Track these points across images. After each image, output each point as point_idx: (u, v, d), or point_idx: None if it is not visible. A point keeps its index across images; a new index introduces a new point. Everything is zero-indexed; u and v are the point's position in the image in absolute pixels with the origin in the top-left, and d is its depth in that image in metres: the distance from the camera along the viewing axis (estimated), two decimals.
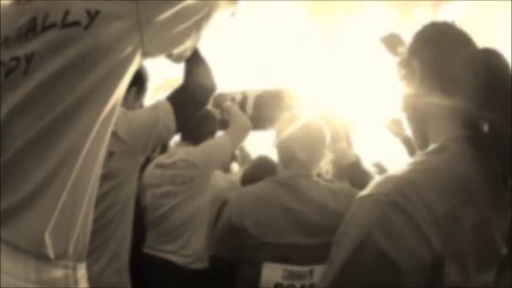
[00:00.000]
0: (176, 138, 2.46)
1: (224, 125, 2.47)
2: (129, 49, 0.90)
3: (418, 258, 0.69)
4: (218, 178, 2.56)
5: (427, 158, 0.83)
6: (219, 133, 2.49)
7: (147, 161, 2.32)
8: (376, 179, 0.81)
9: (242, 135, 2.36)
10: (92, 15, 0.86)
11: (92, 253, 1.48)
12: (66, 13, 0.87)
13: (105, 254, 1.54)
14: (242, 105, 2.99)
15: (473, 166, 0.79)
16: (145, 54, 0.96)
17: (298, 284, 1.43)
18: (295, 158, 1.61)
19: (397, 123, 2.36)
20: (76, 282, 0.89)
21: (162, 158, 2.35)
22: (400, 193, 0.73)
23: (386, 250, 0.69)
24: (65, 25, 0.86)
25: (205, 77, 1.66)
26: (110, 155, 1.52)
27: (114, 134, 1.51)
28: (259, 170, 2.46)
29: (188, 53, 1.11)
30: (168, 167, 2.26)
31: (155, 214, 2.25)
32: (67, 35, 0.86)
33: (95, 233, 1.45)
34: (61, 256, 0.86)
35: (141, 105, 1.85)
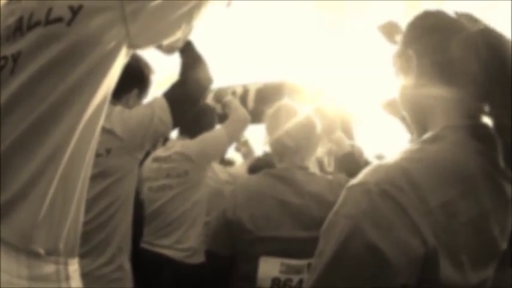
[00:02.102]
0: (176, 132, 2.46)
1: (225, 119, 2.47)
2: (114, 42, 0.90)
3: (408, 250, 0.66)
4: (217, 171, 2.55)
5: (422, 146, 0.79)
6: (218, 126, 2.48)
7: (147, 154, 2.33)
8: (368, 167, 0.77)
9: (240, 128, 2.35)
10: (75, 11, 0.87)
11: (95, 249, 1.52)
12: (50, 10, 0.88)
13: (108, 250, 1.55)
14: (243, 98, 3.00)
15: (472, 157, 0.76)
16: (133, 47, 0.97)
17: (296, 278, 1.41)
18: (285, 147, 1.59)
19: (393, 103, 2.32)
20: (68, 277, 0.90)
21: (159, 152, 2.36)
22: (392, 182, 0.70)
23: (375, 241, 0.66)
24: (48, 22, 0.87)
25: (201, 71, 1.66)
26: (108, 152, 1.53)
27: (111, 132, 1.53)
28: (267, 160, 2.43)
29: (180, 44, 1.11)
30: (164, 161, 2.26)
31: (151, 208, 2.25)
32: (51, 32, 0.87)
33: (96, 230, 1.51)
34: (51, 252, 0.87)
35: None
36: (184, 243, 2.19)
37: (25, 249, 0.83)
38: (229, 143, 2.38)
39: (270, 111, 1.70)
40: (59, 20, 0.87)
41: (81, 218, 0.96)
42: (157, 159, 2.31)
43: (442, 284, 0.68)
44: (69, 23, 0.87)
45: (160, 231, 2.22)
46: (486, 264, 0.76)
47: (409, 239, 0.66)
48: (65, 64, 0.86)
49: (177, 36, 1.05)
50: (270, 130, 1.67)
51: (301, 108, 1.66)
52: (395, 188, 0.69)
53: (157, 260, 2.17)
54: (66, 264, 0.90)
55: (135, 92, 1.74)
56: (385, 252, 0.65)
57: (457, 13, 0.86)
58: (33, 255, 0.84)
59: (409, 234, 0.66)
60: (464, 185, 0.73)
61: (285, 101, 1.71)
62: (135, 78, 1.71)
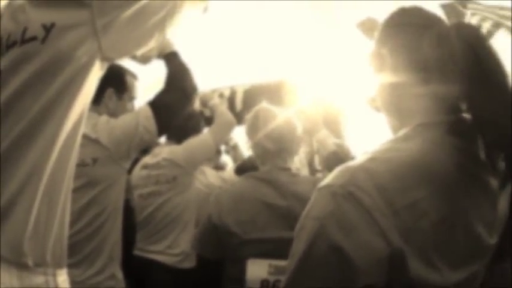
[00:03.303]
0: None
1: (212, 122, 2.49)
2: (87, 57, 0.93)
3: (373, 252, 0.67)
4: (210, 176, 2.57)
5: (392, 145, 0.79)
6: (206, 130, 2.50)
7: (135, 162, 2.34)
8: (337, 168, 0.77)
9: (225, 131, 2.38)
10: (48, 29, 0.90)
11: (86, 258, 1.54)
12: (25, 30, 0.91)
13: (99, 259, 1.57)
14: (231, 100, 3.00)
15: (448, 154, 0.75)
16: (107, 59, 0.99)
17: (285, 276, 1.42)
18: (266, 151, 1.61)
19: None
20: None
21: (147, 159, 2.37)
22: (357, 184, 0.70)
23: (340, 243, 0.67)
24: (24, 41, 0.90)
25: (186, 80, 1.69)
26: (94, 161, 1.55)
27: (97, 141, 1.55)
28: (253, 161, 2.44)
29: (154, 54, 1.11)
30: (153, 167, 2.28)
31: (142, 214, 2.27)
32: (26, 50, 0.90)
33: (87, 239, 1.52)
34: (40, 263, 0.89)
35: (132, 106, 1.84)
36: (176, 248, 2.21)
37: (15, 261, 0.86)
38: (216, 147, 2.41)
39: (248, 115, 1.72)
40: (33, 38, 0.90)
41: (67, 229, 0.98)
42: (145, 166, 2.33)
43: (414, 284, 0.68)
44: (43, 40, 0.90)
45: (151, 237, 2.24)
46: (467, 262, 0.75)
47: (372, 240, 0.67)
48: (41, 80, 0.89)
49: (151, 45, 1.06)
50: (250, 134, 1.68)
51: (280, 110, 1.67)
52: (360, 190, 0.69)
53: (150, 266, 2.19)
54: (54, 275, 0.93)
55: (110, 92, 1.73)
56: (348, 253, 0.66)
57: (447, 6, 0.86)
58: (23, 266, 0.87)
59: (373, 236, 0.67)
60: (436, 184, 0.72)
61: (263, 104, 1.72)
62: (105, 77, 1.70)
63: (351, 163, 0.76)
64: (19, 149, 0.87)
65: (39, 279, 0.90)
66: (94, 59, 0.94)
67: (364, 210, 0.68)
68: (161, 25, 1.04)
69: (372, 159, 0.75)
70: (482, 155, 0.77)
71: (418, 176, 0.72)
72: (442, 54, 0.77)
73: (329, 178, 0.75)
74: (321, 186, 0.75)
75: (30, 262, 0.87)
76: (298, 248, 0.73)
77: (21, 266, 0.87)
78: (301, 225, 0.75)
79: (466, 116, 0.80)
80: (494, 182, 0.77)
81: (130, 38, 1.00)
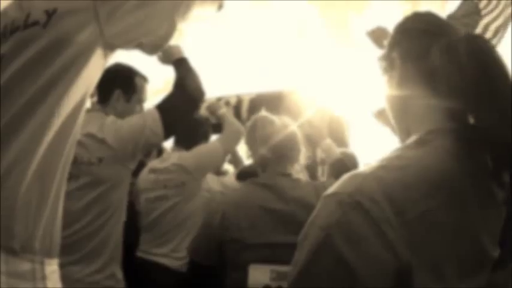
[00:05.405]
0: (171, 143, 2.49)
1: (218, 129, 2.50)
2: (87, 42, 0.94)
3: (379, 265, 0.64)
4: (211, 182, 2.58)
5: (403, 152, 0.76)
6: (214, 137, 2.52)
7: (142, 165, 2.36)
8: (344, 176, 0.74)
9: (234, 141, 2.39)
10: (50, 14, 0.92)
11: (86, 257, 1.54)
12: (28, 15, 0.94)
13: (100, 258, 1.57)
14: (237, 108, 3.01)
15: (459, 161, 0.73)
16: (111, 47, 1.00)
17: (286, 285, 1.41)
18: (266, 159, 1.61)
19: (384, 113, 2.32)
20: (44, 277, 0.91)
21: (155, 163, 2.38)
22: (365, 194, 0.67)
23: (346, 255, 0.64)
24: (26, 26, 0.93)
25: (194, 85, 1.70)
26: (99, 160, 1.56)
27: (103, 141, 1.56)
28: (254, 167, 2.44)
29: (162, 44, 1.07)
30: (161, 172, 2.29)
31: (148, 218, 2.28)
32: (28, 35, 0.92)
33: (88, 238, 1.52)
34: (26, 249, 0.88)
35: (141, 109, 1.84)
36: (180, 252, 2.21)
37: (4, 245, 0.85)
38: (225, 155, 2.43)
39: (247, 124, 1.73)
40: (35, 23, 0.92)
41: (59, 218, 0.97)
42: (154, 171, 2.33)
43: None
44: (45, 25, 0.92)
45: (156, 240, 2.25)
46: (476, 273, 0.73)
47: (380, 254, 0.64)
48: (40, 63, 0.91)
49: (158, 33, 1.05)
50: (249, 143, 1.70)
51: (280, 118, 1.68)
52: (369, 200, 0.66)
53: (153, 268, 2.19)
54: (42, 263, 0.91)
55: (118, 93, 1.74)
56: (354, 267, 0.64)
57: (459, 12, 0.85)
58: (10, 251, 0.85)
59: (381, 249, 0.64)
60: (447, 193, 0.70)
61: (262, 113, 1.72)
62: (113, 78, 1.70)
63: (359, 171, 0.74)
64: (12, 128, 0.88)
65: (25, 266, 0.87)
66: (95, 45, 0.95)
67: (372, 221, 0.65)
68: (170, 13, 1.03)
69: (382, 167, 0.72)
70: (488, 164, 0.74)
71: (429, 186, 0.70)
72: (450, 66, 0.76)
73: (336, 185, 0.72)
74: (328, 194, 0.72)
75: (16, 246, 0.86)
76: (301, 256, 0.70)
77: (8, 249, 0.85)
78: (305, 234, 0.73)
79: (472, 123, 0.79)
80: (501, 194, 0.75)
81: (136, 25, 1.00)
